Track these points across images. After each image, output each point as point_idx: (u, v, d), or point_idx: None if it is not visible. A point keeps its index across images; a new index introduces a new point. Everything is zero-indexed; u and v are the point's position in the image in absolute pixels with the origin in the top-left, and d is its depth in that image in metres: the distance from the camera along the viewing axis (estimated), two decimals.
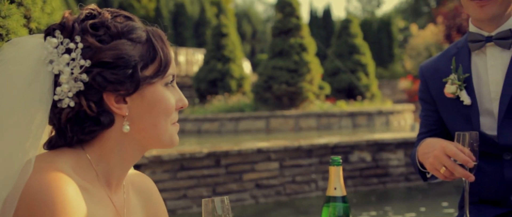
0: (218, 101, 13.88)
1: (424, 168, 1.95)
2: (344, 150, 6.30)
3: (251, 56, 36.98)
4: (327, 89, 12.99)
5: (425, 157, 1.88)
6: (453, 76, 1.99)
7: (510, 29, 1.92)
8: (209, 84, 14.96)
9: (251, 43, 40.84)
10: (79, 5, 1.22)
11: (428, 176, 1.98)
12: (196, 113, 13.05)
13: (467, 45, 2.03)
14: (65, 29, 1.14)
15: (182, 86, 19.25)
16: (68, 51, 1.12)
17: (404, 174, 6.56)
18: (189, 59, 23.69)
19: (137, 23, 1.21)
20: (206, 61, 15.44)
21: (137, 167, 4.96)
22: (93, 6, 1.20)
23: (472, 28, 2.01)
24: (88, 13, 1.18)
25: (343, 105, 12.88)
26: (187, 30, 30.77)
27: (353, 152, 6.34)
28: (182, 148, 5.97)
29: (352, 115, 11.85)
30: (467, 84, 1.98)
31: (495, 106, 1.93)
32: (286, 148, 5.94)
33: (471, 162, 1.70)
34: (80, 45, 1.12)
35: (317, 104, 12.39)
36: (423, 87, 2.17)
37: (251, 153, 5.73)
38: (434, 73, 2.11)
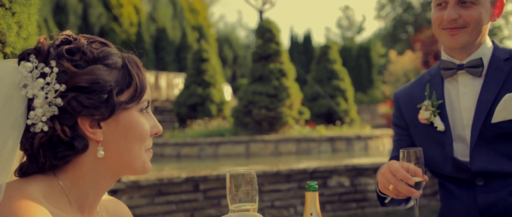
0: (198, 126, 13.81)
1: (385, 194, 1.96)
2: (323, 175, 6.31)
3: (232, 81, 37.00)
4: (307, 114, 13.02)
5: (378, 179, 1.90)
6: (427, 102, 2.03)
7: (480, 58, 1.97)
8: (189, 108, 14.91)
9: (233, 68, 40.92)
10: (56, 32, 1.23)
11: (386, 201, 1.97)
12: (176, 137, 12.95)
13: (439, 73, 2.07)
14: (40, 53, 1.14)
15: (162, 111, 19.20)
16: (43, 75, 1.12)
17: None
18: (170, 84, 23.66)
19: (113, 49, 1.22)
20: (187, 86, 15.40)
21: (114, 192, 4.90)
22: (68, 32, 1.21)
23: (444, 56, 2.06)
24: (64, 38, 1.18)
25: (322, 130, 12.91)
26: (168, 54, 30.74)
27: (331, 176, 6.35)
28: (161, 173, 5.92)
29: (331, 140, 11.88)
30: (441, 111, 2.01)
31: (467, 133, 1.96)
32: (264, 172, 5.92)
33: (412, 178, 1.68)
34: (56, 69, 1.12)
35: (296, 129, 12.41)
36: (397, 113, 2.20)
37: None
38: (408, 99, 2.15)
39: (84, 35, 1.22)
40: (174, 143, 12.07)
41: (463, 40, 1.94)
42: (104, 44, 1.22)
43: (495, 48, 2.02)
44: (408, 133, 2.15)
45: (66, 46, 1.16)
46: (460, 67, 1.99)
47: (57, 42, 1.17)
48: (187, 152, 11.77)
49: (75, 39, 1.19)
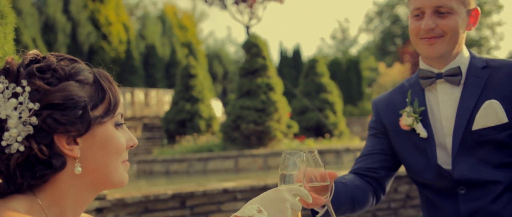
0: (187, 142, 13.78)
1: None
2: None
3: (223, 96, 37.08)
4: (295, 127, 13.02)
5: None
6: (409, 108, 2.04)
7: (458, 67, 1.99)
8: (178, 125, 14.88)
9: (223, 83, 41.02)
10: (22, 50, 1.23)
11: (318, 216, 1.87)
12: (165, 153, 12.90)
13: (418, 82, 2.09)
14: (10, 74, 1.13)
15: (152, 127, 19.15)
16: (15, 95, 1.11)
17: (371, 211, 6.58)
18: (160, 100, 23.66)
19: (83, 65, 1.22)
20: (175, 102, 15.39)
21: (99, 210, 4.85)
22: (35, 51, 1.21)
23: (422, 65, 2.08)
24: (32, 58, 1.18)
25: (311, 144, 12.90)
26: (158, 71, 30.79)
27: None
28: (146, 189, 5.88)
29: (320, 153, 11.78)
30: (423, 118, 2.02)
31: (448, 141, 1.98)
32: (252, 187, 5.89)
33: (305, 185, 1.56)
34: (28, 88, 1.11)
35: (285, 143, 12.38)
36: (375, 119, 2.21)
37: (216, 193, 5.66)
38: (388, 106, 2.15)
39: (52, 53, 1.22)
40: (163, 160, 12.02)
41: (441, 49, 1.96)
42: (74, 61, 1.22)
43: (472, 57, 2.04)
44: (385, 132, 2.16)
45: (36, 65, 1.16)
46: (439, 76, 2.01)
47: (26, 62, 1.17)
48: (176, 168, 11.72)
49: (44, 57, 1.19)
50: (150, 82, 29.74)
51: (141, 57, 30.87)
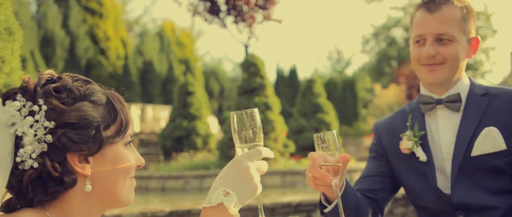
0: (183, 159, 13.72)
1: (328, 202, 1.91)
2: (307, 208, 6.28)
3: (219, 113, 37.00)
4: (292, 147, 13.00)
5: None
6: (409, 132, 2.06)
7: (458, 93, 2.02)
8: (174, 141, 14.83)
9: (219, 100, 40.97)
10: (37, 70, 1.26)
11: (326, 210, 1.90)
12: (161, 170, 12.84)
13: (419, 107, 2.12)
14: (27, 92, 1.17)
15: (148, 143, 19.05)
16: (32, 113, 1.14)
17: None
18: (156, 116, 23.58)
19: (96, 86, 1.26)
20: (172, 119, 15.35)
21: None
22: (51, 71, 1.24)
23: (423, 90, 2.11)
24: (49, 77, 1.22)
25: (307, 163, 12.86)
26: (155, 87, 30.75)
27: (316, 210, 6.33)
28: (144, 206, 5.85)
29: None
30: (423, 142, 2.05)
31: (447, 166, 2.00)
32: (248, 206, 5.88)
33: (318, 160, 1.63)
34: (44, 107, 1.14)
35: (281, 162, 12.35)
36: (376, 141, 2.23)
37: None
38: (389, 129, 2.18)
39: (67, 73, 1.25)
40: (159, 176, 11.96)
41: (441, 75, 2.00)
42: (88, 82, 1.26)
43: (472, 84, 2.08)
44: (385, 154, 2.18)
45: (53, 85, 1.19)
46: (439, 102, 2.04)
47: (42, 81, 1.20)
48: (172, 185, 11.66)
49: (60, 77, 1.22)
50: (146, 98, 29.70)
51: (138, 73, 30.85)
